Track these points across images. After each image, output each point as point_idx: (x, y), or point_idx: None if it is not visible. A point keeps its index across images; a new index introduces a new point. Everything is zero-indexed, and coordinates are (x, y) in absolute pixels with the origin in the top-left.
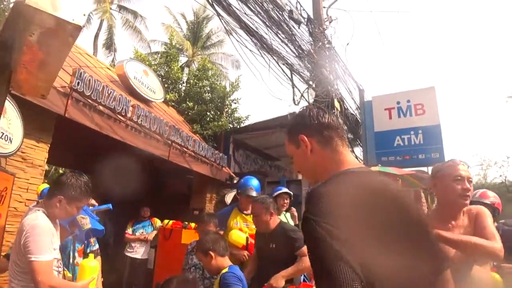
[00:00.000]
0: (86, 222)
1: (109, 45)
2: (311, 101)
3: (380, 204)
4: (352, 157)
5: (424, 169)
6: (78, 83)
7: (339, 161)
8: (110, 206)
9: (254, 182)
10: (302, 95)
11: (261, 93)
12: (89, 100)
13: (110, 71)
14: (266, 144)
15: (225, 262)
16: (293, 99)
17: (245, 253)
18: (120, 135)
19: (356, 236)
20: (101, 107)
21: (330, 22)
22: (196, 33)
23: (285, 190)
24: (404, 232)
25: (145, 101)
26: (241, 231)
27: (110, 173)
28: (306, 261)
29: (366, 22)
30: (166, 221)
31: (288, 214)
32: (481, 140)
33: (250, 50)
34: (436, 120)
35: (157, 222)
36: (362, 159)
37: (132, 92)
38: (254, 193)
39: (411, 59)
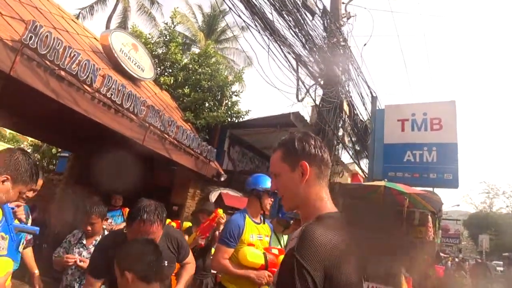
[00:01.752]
0: (3, 246)
1: (122, 28)
2: (317, 100)
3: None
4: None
5: (434, 190)
6: (31, 37)
7: (323, 201)
8: (37, 230)
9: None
10: (307, 92)
11: (265, 91)
12: (46, 61)
13: (97, 41)
14: (265, 143)
15: None
16: (297, 95)
17: (266, 273)
18: (84, 108)
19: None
20: (62, 72)
21: (348, 19)
22: (211, 26)
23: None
24: None
25: (132, 79)
26: (252, 246)
27: (75, 154)
28: (190, 268)
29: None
30: None
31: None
32: (490, 167)
33: (247, 24)
34: (454, 137)
35: None
36: (367, 172)
37: (117, 66)
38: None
39: (433, 69)
